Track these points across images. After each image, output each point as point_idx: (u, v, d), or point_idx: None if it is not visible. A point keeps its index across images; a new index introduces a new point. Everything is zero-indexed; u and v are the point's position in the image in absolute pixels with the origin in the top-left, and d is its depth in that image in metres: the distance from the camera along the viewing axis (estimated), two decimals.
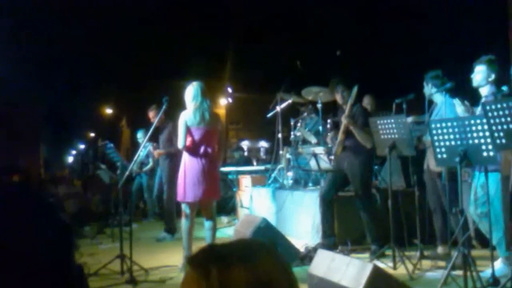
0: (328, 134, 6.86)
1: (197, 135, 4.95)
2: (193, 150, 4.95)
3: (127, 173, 4.85)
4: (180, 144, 4.92)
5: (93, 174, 10.88)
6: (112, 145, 5.52)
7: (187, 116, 4.93)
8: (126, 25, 11.77)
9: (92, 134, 22.44)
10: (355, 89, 5.28)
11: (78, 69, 13.76)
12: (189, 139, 4.93)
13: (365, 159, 5.42)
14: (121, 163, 5.23)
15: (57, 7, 10.06)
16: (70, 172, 15.52)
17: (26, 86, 12.20)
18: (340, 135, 5.45)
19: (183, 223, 5.07)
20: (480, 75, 4.48)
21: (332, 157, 6.14)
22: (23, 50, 10.46)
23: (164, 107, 5.01)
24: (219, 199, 5.54)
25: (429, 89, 5.02)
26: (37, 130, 17.77)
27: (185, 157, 4.98)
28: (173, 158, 6.76)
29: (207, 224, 5.19)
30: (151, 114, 7.21)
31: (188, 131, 4.92)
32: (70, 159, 23.00)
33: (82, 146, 22.51)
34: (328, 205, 5.58)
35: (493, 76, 4.46)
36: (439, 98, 4.97)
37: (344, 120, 5.32)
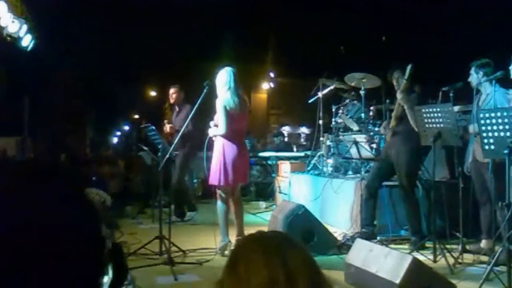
0: (372, 121, 6.74)
1: (235, 120, 4.97)
2: (232, 135, 4.97)
3: (167, 155, 4.90)
4: (223, 129, 4.92)
5: (136, 155, 11.08)
6: (153, 127, 5.57)
7: (226, 101, 4.93)
8: (171, 11, 11.87)
9: (137, 116, 22.88)
10: (408, 68, 5.11)
11: (124, 52, 14.01)
12: (228, 124, 4.94)
13: (413, 148, 5.24)
14: (162, 146, 5.28)
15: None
16: (114, 152, 15.89)
17: (74, 70, 12.54)
18: (393, 121, 5.32)
19: (220, 207, 5.08)
20: None
21: (373, 145, 6.03)
22: (74, 34, 10.71)
23: (205, 91, 5.00)
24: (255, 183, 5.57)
25: (477, 77, 4.79)
26: (84, 111, 18.25)
27: (223, 142, 4.98)
28: (190, 143, 6.81)
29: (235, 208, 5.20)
30: (172, 91, 7.14)
31: (228, 115, 4.92)
32: (115, 140, 23.55)
33: (126, 128, 23.00)
34: (372, 194, 5.47)
35: None
36: (488, 87, 4.75)
37: (398, 96, 5.17)
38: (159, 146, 5.31)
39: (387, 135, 5.39)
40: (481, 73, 4.76)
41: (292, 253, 1.10)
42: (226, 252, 4.99)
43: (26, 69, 8.61)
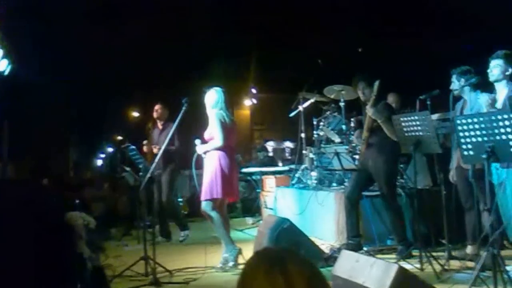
0: (353, 133, 6.78)
1: (228, 134, 5.08)
2: (227, 148, 5.07)
3: (148, 175, 4.87)
4: (221, 141, 5.00)
5: (120, 177, 10.97)
6: (134, 147, 5.54)
7: (220, 115, 5.06)
8: (151, 29, 11.86)
9: (120, 138, 22.70)
10: (376, 84, 5.18)
11: (105, 73, 13.94)
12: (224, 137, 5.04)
13: (390, 157, 5.31)
14: (143, 165, 5.25)
15: (86, 11, 10.21)
16: (98, 174, 15.72)
17: (55, 91, 12.42)
18: (365, 132, 5.37)
19: (217, 219, 5.05)
20: (497, 69, 4.34)
21: (356, 156, 6.06)
22: (52, 54, 10.64)
23: (184, 108, 5.02)
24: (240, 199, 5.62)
25: (459, 84, 4.84)
26: (67, 133, 18.05)
27: (219, 155, 5.03)
28: (175, 160, 6.78)
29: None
30: (157, 107, 7.13)
31: (223, 128, 5.03)
32: (99, 162, 23.31)
33: (110, 149, 22.76)
34: (353, 205, 5.50)
35: (510, 71, 4.32)
36: (469, 94, 4.81)
37: (368, 112, 5.22)
38: (140, 166, 5.28)
39: (362, 146, 5.43)
40: (462, 80, 4.81)
41: (291, 260, 1.19)
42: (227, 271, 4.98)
43: (4, 94, 8.50)
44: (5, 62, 7.27)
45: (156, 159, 5.19)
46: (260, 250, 1.29)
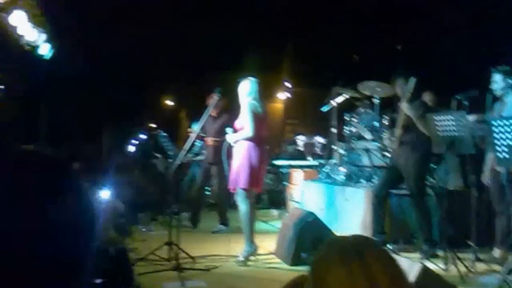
0: (385, 131, 6.69)
1: (260, 125, 5.05)
2: (257, 139, 5.04)
3: (177, 162, 4.93)
4: (251, 131, 4.97)
5: (151, 163, 11.16)
6: (165, 134, 5.61)
7: (253, 105, 5.03)
8: (186, 19, 11.97)
9: (153, 125, 23.06)
10: (411, 81, 5.08)
11: (141, 62, 14.16)
12: (255, 127, 5.02)
13: (422, 156, 5.21)
14: (173, 152, 5.31)
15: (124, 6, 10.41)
16: (130, 160, 16.03)
17: (91, 79, 12.70)
18: (398, 130, 5.28)
19: (244, 212, 5.07)
20: None
21: (386, 153, 5.97)
22: (91, 43, 10.87)
23: (217, 98, 5.05)
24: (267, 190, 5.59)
25: (504, 85, 4.68)
26: (101, 120, 18.44)
27: (248, 145, 5.01)
28: (229, 149, 6.73)
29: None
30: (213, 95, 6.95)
31: (255, 119, 5.01)
32: (131, 148, 23.75)
33: (143, 136, 23.16)
34: (380, 202, 5.44)
35: None
36: (509, 96, 4.67)
37: (402, 108, 5.13)
38: (170, 153, 5.34)
39: (394, 144, 5.34)
40: (509, 81, 4.65)
41: (366, 247, 1.09)
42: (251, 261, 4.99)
43: (44, 77, 8.73)
44: (47, 46, 7.46)
45: (185, 147, 5.23)
46: (330, 240, 1.20)
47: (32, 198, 0.80)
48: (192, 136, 5.49)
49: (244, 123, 5.04)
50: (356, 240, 1.14)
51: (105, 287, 3.09)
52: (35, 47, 7.21)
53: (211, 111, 6.84)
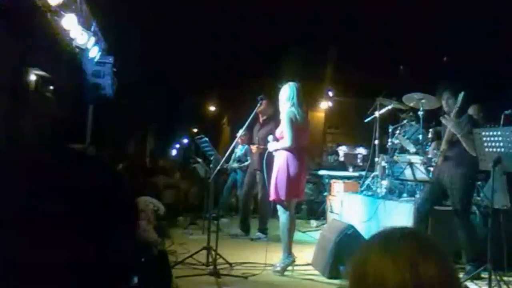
0: (429, 144, 6.54)
1: (300, 134, 4.98)
2: (296, 148, 4.97)
3: (218, 167, 4.97)
4: (289, 142, 4.91)
5: (192, 167, 11.30)
6: (206, 138, 5.67)
7: (292, 114, 4.95)
8: (230, 26, 12.10)
9: (195, 130, 23.37)
10: (460, 96, 4.95)
11: (185, 67, 14.40)
12: (294, 137, 4.95)
13: (468, 172, 5.05)
14: (214, 157, 5.36)
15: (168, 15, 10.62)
16: (171, 164, 16.29)
17: (138, 84, 13.00)
18: (443, 144, 5.15)
19: (284, 223, 5.03)
20: None
21: (430, 168, 5.83)
22: (139, 48, 11.14)
23: (258, 105, 5.06)
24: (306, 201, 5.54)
25: None
26: (146, 123, 18.84)
27: (287, 155, 4.96)
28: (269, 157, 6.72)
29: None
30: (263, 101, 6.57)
31: (294, 128, 4.93)
32: (174, 152, 24.19)
33: (185, 141, 23.55)
34: (423, 217, 5.30)
35: None
36: None
37: (447, 124, 5.00)
38: (211, 158, 5.39)
39: (439, 159, 5.20)
40: None
41: (425, 261, 0.99)
42: (288, 271, 4.97)
43: (90, 79, 8.99)
44: (96, 49, 7.69)
45: (227, 153, 5.27)
46: (380, 236, 1.09)
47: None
48: (238, 141, 5.52)
49: (284, 132, 4.99)
50: (406, 231, 1.04)
51: (144, 287, 3.14)
52: (84, 50, 7.44)
53: (260, 117, 6.94)
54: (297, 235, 6.68)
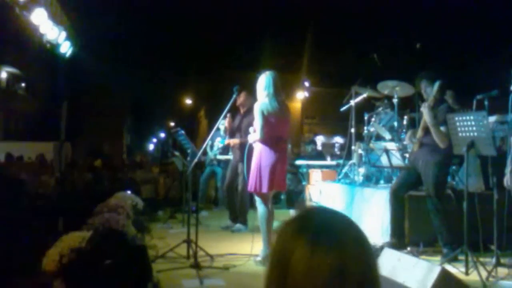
0: (404, 131, 6.62)
1: (273, 125, 4.90)
2: (269, 140, 4.90)
3: (195, 160, 4.94)
4: (259, 134, 4.86)
5: (170, 161, 11.26)
6: (182, 131, 5.63)
7: (263, 105, 4.89)
8: (208, 19, 12.04)
9: (172, 123, 23.26)
10: (436, 85, 5.01)
11: (160, 62, 14.29)
12: (265, 129, 4.88)
13: (441, 159, 5.14)
14: (191, 150, 5.33)
15: (143, 6, 10.50)
16: (149, 158, 16.20)
17: (112, 79, 12.85)
18: (419, 132, 5.22)
19: (262, 214, 5.01)
20: None
21: (406, 154, 5.91)
22: (111, 42, 11.00)
23: (234, 96, 5.04)
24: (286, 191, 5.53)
25: None
26: (122, 119, 18.68)
27: (260, 148, 4.92)
28: (250, 149, 6.73)
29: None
30: (242, 94, 6.88)
31: (265, 120, 4.88)
32: (151, 147, 24.04)
33: (162, 135, 23.43)
34: (399, 202, 5.38)
35: None
36: None
37: (424, 110, 5.06)
38: (188, 151, 5.37)
39: (414, 146, 5.27)
40: None
41: (346, 242, 0.97)
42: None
43: (65, 76, 8.86)
44: (67, 44, 7.56)
45: (203, 146, 5.25)
46: (299, 216, 1.07)
47: None
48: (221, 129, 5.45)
49: (255, 125, 4.94)
50: (330, 223, 1.00)
51: (123, 282, 3.13)
52: (55, 45, 7.31)
53: (241, 109, 6.94)
54: (277, 225, 6.70)
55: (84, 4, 8.23)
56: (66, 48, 7.57)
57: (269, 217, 5.03)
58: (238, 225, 7.04)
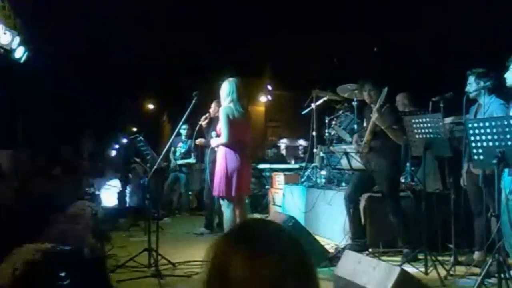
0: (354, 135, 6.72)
1: (238, 129, 4.95)
2: (235, 144, 4.93)
3: (155, 166, 4.87)
4: (225, 138, 4.88)
5: (132, 168, 11.06)
6: (141, 138, 5.54)
7: (229, 110, 4.92)
8: (167, 23, 11.91)
9: (135, 129, 22.89)
10: (385, 90, 5.08)
11: (121, 65, 14.05)
12: (231, 133, 4.90)
13: (392, 160, 5.24)
14: (151, 157, 5.26)
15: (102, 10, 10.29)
16: (110, 165, 15.88)
17: (71, 83, 12.54)
18: (367, 135, 5.28)
19: (227, 218, 5.01)
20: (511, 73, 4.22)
21: None
22: (68, 45, 10.74)
23: (194, 101, 5.00)
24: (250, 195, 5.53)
25: (475, 87, 4.69)
26: (82, 124, 18.25)
27: (225, 151, 4.94)
28: (212, 153, 6.75)
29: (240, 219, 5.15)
30: (213, 105, 7.04)
31: (230, 124, 4.90)
32: (113, 153, 23.61)
33: (124, 140, 23.01)
34: (355, 206, 5.45)
35: None
36: (484, 98, 4.69)
37: (376, 120, 5.14)
38: (148, 157, 5.29)
39: (363, 149, 5.32)
40: (481, 83, 4.66)
41: (283, 247, 0.99)
42: None
43: (19, 82, 8.59)
44: (21, 49, 7.34)
45: (164, 152, 5.19)
46: (237, 228, 1.09)
47: None
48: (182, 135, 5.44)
49: (220, 129, 4.97)
50: (267, 232, 1.02)
51: None
52: (9, 51, 7.08)
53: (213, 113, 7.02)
54: None
55: (39, 9, 8.00)
56: (20, 53, 7.34)
57: (235, 222, 5.02)
58: (202, 229, 7.07)
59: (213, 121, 6.95)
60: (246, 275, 0.95)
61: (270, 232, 1.03)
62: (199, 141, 7.23)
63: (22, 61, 7.50)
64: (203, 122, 7.03)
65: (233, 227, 1.08)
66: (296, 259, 0.99)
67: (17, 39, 6.94)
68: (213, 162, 5.27)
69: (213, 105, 7.06)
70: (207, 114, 7.03)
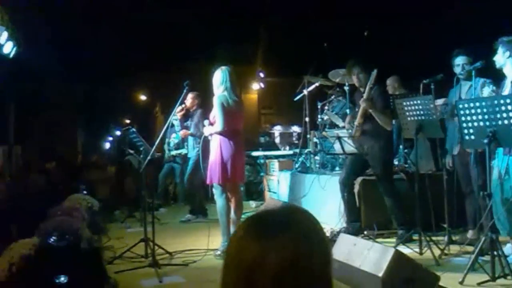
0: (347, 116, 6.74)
1: (232, 118, 4.97)
2: (229, 132, 4.96)
3: (148, 157, 4.87)
4: (220, 126, 4.91)
5: (126, 159, 11.04)
6: (133, 129, 5.54)
7: (223, 98, 4.94)
8: (159, 10, 11.82)
9: (128, 121, 22.82)
10: (374, 73, 5.09)
11: (113, 56, 13.94)
12: (225, 121, 4.92)
13: (385, 143, 5.27)
14: (144, 148, 5.25)
15: None
16: (104, 157, 15.85)
17: (63, 75, 12.45)
18: (358, 119, 5.29)
19: (220, 206, 5.03)
20: (500, 55, 4.23)
21: None
22: (59, 37, 10.65)
23: (185, 91, 4.99)
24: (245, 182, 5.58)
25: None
26: (75, 117, 18.18)
27: (220, 139, 4.96)
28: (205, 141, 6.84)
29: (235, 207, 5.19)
30: (190, 96, 7.30)
31: (225, 112, 4.91)
32: (107, 145, 23.55)
33: (118, 133, 22.92)
34: (349, 190, 5.48)
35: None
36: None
37: (362, 104, 5.16)
38: (141, 148, 5.28)
39: (355, 132, 5.34)
40: (470, 64, 4.65)
41: (295, 227, 0.97)
42: None
43: (10, 77, 8.53)
44: (10, 44, 7.28)
45: (156, 143, 5.18)
46: (255, 215, 1.07)
47: None
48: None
49: (215, 117, 4.99)
50: (281, 219, 1.00)
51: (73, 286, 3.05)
52: None
53: (189, 106, 7.14)
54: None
55: (26, 3, 7.92)
56: (9, 49, 7.28)
57: (228, 210, 5.05)
58: (188, 216, 7.27)
59: (189, 113, 7.36)
60: (260, 258, 0.94)
61: (280, 213, 1.03)
62: (183, 132, 7.41)
63: (11, 56, 7.45)
64: (178, 113, 7.16)
65: (246, 218, 1.06)
66: (318, 235, 1.01)
67: (5, 34, 6.88)
68: (204, 151, 5.28)
69: (189, 97, 7.28)
70: (183, 105, 7.15)
